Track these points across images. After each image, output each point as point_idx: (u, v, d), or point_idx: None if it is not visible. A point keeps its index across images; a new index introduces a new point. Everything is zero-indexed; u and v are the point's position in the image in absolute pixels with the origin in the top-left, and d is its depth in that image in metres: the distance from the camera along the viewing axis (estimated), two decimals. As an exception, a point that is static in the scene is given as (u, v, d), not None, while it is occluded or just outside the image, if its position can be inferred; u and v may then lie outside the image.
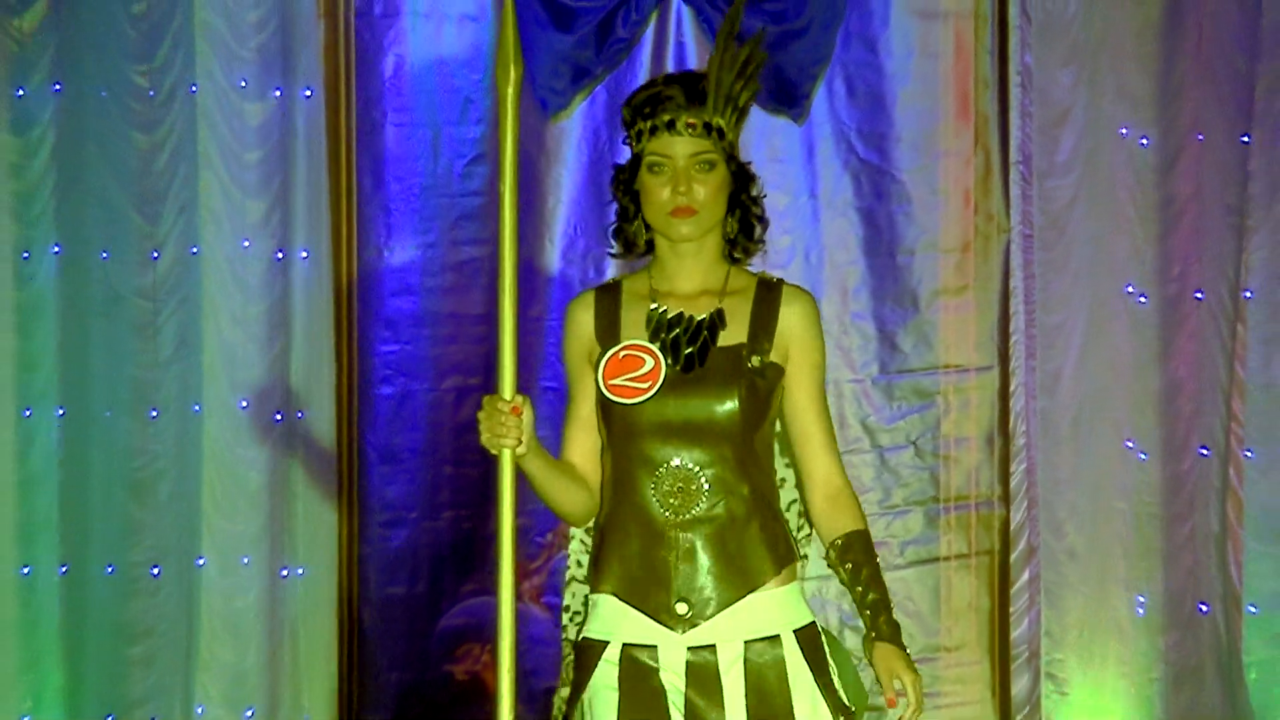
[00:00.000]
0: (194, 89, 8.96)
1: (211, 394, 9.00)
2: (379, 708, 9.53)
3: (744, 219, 5.05)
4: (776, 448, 5.13)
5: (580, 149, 9.51)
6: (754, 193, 5.06)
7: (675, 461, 4.88)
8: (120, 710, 8.98)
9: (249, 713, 9.17)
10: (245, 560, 9.01)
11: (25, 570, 8.97)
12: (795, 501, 5.09)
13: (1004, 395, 9.17)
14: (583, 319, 4.98)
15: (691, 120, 4.91)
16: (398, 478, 9.55)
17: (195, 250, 8.99)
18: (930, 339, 9.35)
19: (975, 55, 9.32)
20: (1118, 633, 8.85)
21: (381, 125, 9.40)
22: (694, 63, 9.58)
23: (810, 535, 5.07)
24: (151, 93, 9.05)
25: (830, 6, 8.17)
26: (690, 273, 5.00)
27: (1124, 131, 8.78)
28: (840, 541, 4.84)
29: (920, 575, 9.66)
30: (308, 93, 8.97)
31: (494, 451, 4.70)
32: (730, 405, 4.84)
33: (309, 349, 9.10)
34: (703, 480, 4.88)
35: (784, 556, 4.95)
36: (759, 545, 4.89)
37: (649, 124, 4.92)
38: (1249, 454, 8.60)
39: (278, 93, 9.06)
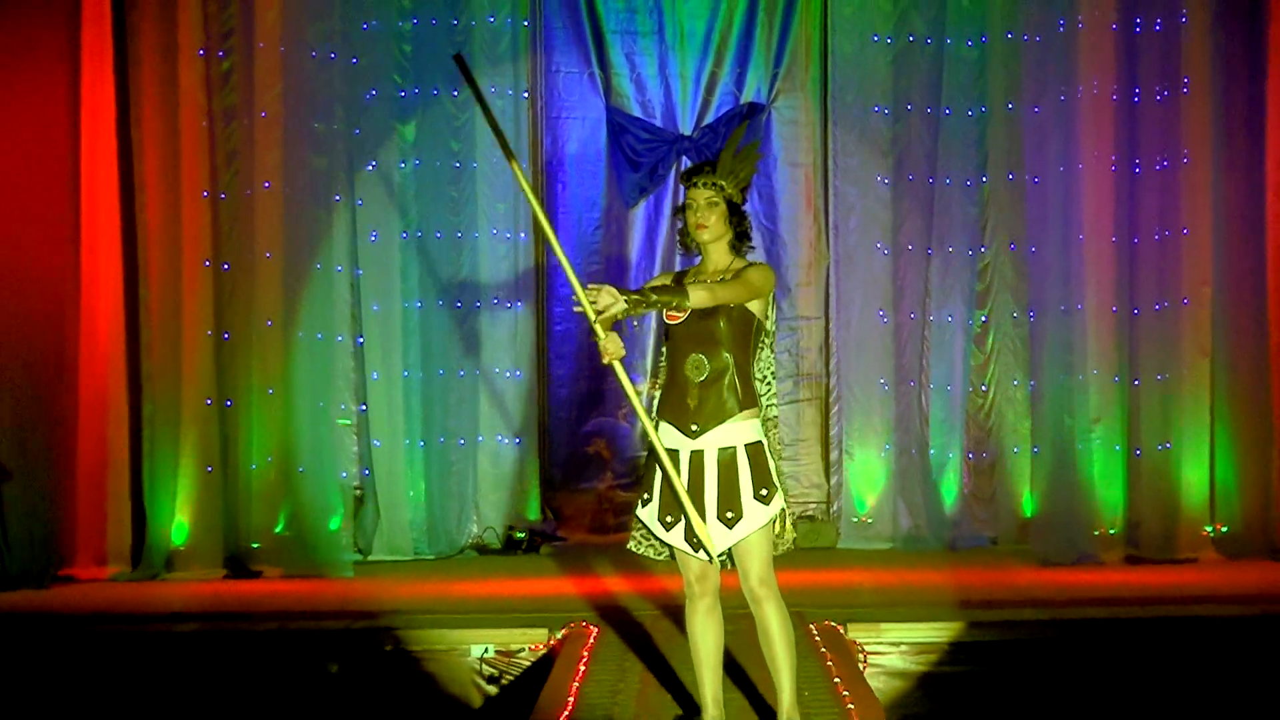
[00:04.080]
0: (474, 166, 12.12)
1: (482, 296, 12.14)
2: (554, 466, 13.05)
3: (738, 232, 6.32)
4: (762, 362, 6.30)
5: (641, 222, 13.14)
6: (742, 219, 6.33)
7: (693, 354, 6.16)
8: (448, 438, 12.15)
9: (503, 439, 12.35)
10: (497, 370, 12.26)
11: (405, 373, 12.02)
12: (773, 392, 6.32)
13: (826, 330, 12.63)
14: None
15: (705, 180, 6.24)
16: (563, 364, 13.11)
17: (477, 235, 12.13)
18: (796, 305, 12.73)
19: (814, 182, 12.79)
20: (873, 433, 12.35)
21: (556, 212, 12.97)
22: (691, 190, 12.57)
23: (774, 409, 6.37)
24: (457, 165, 12.09)
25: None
26: (713, 261, 6.31)
27: (881, 221, 12.30)
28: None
29: (793, 409, 12.69)
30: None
31: (596, 312, 5.95)
32: (718, 325, 6.15)
33: (527, 292, 12.40)
34: (705, 363, 6.14)
35: (746, 403, 6.15)
36: (733, 396, 6.14)
37: (687, 183, 6.29)
38: (927, 359, 12.27)
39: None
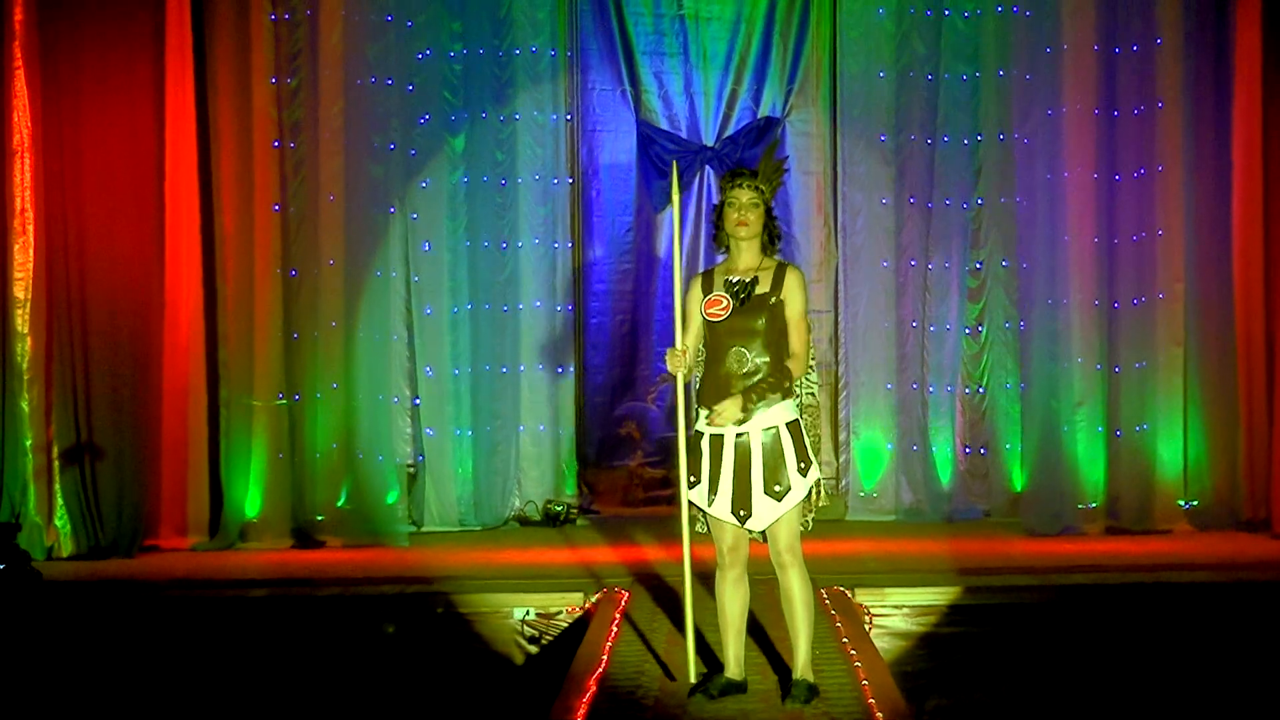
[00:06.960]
0: (520, 180, 11.94)
1: (524, 299, 12.01)
2: (589, 445, 13.06)
3: (770, 233, 6.32)
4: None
5: (668, 224, 13.09)
6: (774, 221, 6.35)
7: (735, 347, 6.11)
8: (493, 424, 12.00)
9: (543, 422, 12.12)
10: (540, 367, 12.07)
11: (455, 371, 11.93)
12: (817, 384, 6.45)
13: (835, 322, 12.49)
14: (695, 284, 6.28)
15: (748, 183, 6.23)
16: (598, 357, 13.38)
17: (520, 244, 11.99)
18: (810, 300, 11.12)
19: (824, 188, 12.75)
20: (878, 416, 12.26)
21: (591, 216, 13.13)
22: (714, 196, 11.94)
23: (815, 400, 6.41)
24: (503, 182, 11.91)
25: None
26: (745, 259, 6.25)
27: (885, 224, 12.16)
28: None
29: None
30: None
31: (672, 372, 6.18)
32: (759, 322, 6.12)
33: (565, 290, 12.23)
34: (746, 356, 6.10)
35: (786, 392, 6.18)
36: (773, 386, 6.14)
37: (730, 183, 6.26)
38: (926, 349, 12.15)
39: (554, 182, 12.07)
